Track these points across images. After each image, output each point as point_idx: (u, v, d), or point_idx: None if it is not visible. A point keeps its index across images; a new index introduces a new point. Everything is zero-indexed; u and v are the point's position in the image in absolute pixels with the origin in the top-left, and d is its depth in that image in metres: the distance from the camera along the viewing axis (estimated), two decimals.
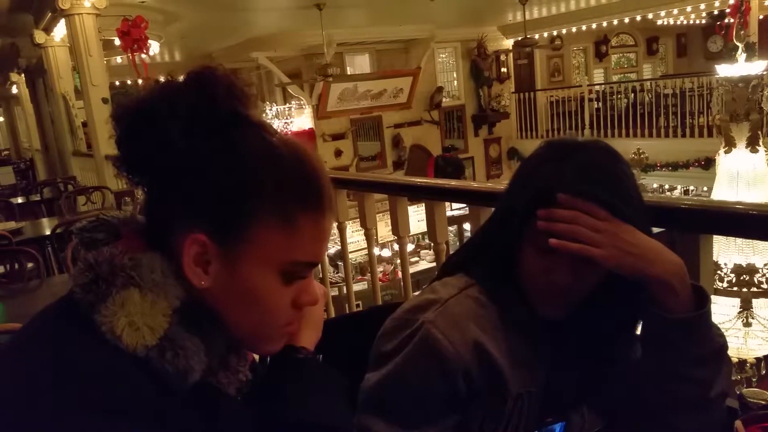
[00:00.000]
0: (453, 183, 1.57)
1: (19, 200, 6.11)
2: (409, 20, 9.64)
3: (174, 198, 0.65)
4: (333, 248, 7.31)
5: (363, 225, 1.93)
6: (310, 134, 9.94)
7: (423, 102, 10.84)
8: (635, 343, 0.95)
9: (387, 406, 0.91)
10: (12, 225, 3.98)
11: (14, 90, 12.71)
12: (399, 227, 1.79)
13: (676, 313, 0.84)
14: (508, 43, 11.52)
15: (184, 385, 0.62)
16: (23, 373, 0.58)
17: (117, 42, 5.36)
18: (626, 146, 9.65)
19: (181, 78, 0.68)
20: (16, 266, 2.92)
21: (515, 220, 0.91)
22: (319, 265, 2.47)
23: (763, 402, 0.84)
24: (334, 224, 2.21)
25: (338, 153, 10.19)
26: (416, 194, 1.77)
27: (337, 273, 8.01)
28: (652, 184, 9.53)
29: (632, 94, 10.16)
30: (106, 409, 0.56)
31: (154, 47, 6.97)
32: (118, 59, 7.68)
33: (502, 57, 11.63)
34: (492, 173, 11.64)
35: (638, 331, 0.94)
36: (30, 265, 2.91)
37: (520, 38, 10.01)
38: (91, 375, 0.58)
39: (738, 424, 0.68)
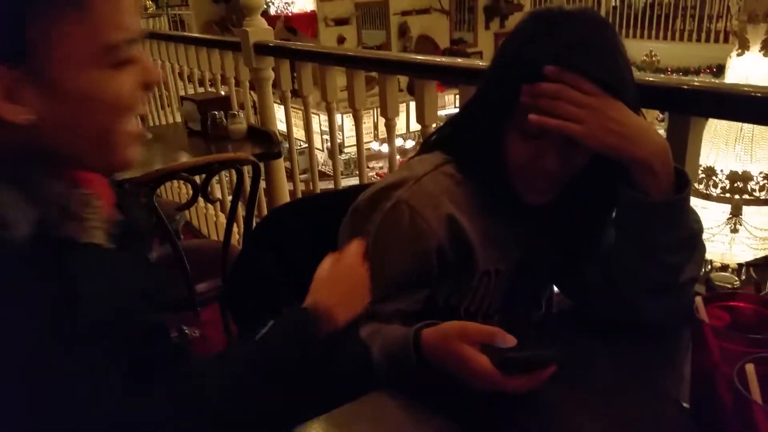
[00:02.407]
0: (441, 60, 1.47)
1: None
2: None
3: None
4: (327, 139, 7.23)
5: (351, 105, 1.84)
6: (311, 17, 9.52)
7: None
8: (611, 226, 0.92)
9: None
10: None
11: None
12: (388, 109, 1.70)
13: (654, 197, 0.82)
14: None
15: (11, 243, 0.55)
16: None
17: None
18: (639, 47, 9.36)
19: None
20: None
21: (499, 98, 0.87)
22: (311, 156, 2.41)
23: (729, 286, 0.83)
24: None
25: (341, 40, 9.81)
26: (400, 71, 1.66)
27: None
28: None
29: None
30: None
31: None
32: None
33: None
34: None
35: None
36: None
37: None
38: None
39: (698, 300, 0.66)
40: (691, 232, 0.86)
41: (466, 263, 0.93)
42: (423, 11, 10.38)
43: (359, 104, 1.84)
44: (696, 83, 1.02)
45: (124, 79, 0.61)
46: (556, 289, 1.10)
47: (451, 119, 1.01)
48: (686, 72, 8.99)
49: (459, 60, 1.41)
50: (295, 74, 2.24)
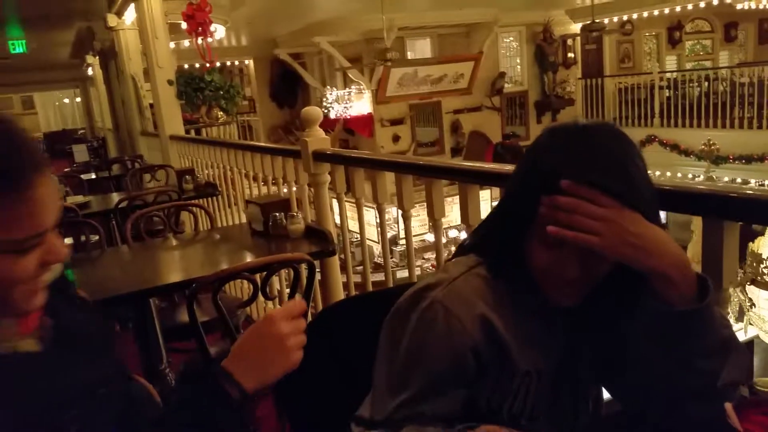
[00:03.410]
0: (482, 165, 1.56)
1: (92, 176, 6.43)
2: (472, 3, 9.51)
3: None
4: (391, 233, 7.39)
5: (400, 207, 1.96)
6: (368, 119, 9.99)
7: (484, 88, 10.70)
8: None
9: (399, 382, 0.93)
10: (80, 199, 4.21)
11: (90, 72, 13.36)
12: (434, 210, 1.80)
13: (676, 306, 0.82)
14: (576, 27, 11.19)
15: None
16: None
17: (183, 26, 5.55)
18: (697, 137, 9.28)
19: None
20: (82, 238, 3.08)
21: (520, 208, 0.91)
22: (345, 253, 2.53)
23: None
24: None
25: (396, 138, 10.22)
26: (444, 176, 1.78)
27: (390, 257, 8.04)
28: (723, 177, 9.11)
29: (706, 83, 9.71)
30: None
31: (220, 31, 7.15)
32: (186, 43, 7.94)
33: (569, 42, 11.33)
34: None
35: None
36: (95, 237, 3.07)
37: (588, 22, 9.70)
38: None
39: (728, 406, 0.66)
40: (721, 338, 0.86)
41: (504, 363, 0.94)
42: (474, 109, 10.72)
43: (407, 206, 1.96)
44: (724, 190, 1.04)
45: (26, 261, 0.71)
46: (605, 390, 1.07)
47: (482, 223, 1.06)
48: (749, 159, 8.80)
49: (504, 166, 1.49)
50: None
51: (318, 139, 2.53)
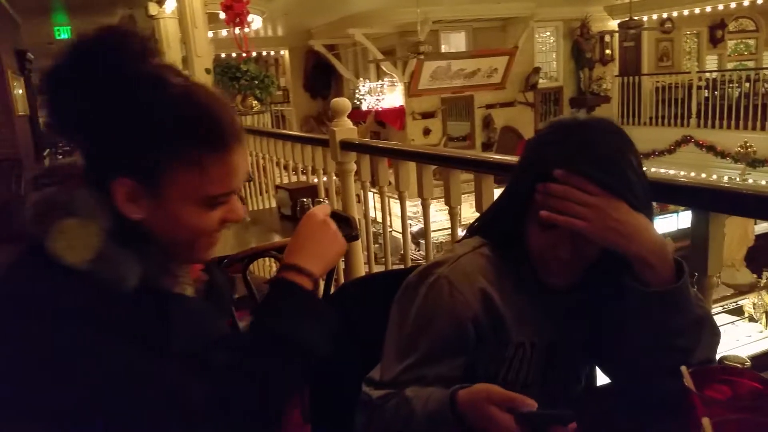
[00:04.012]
0: (495, 156, 1.65)
1: None
2: None
3: (97, 151, 0.80)
4: (416, 226, 7.46)
5: (420, 195, 2.06)
6: (399, 111, 10.06)
7: (518, 83, 10.65)
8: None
9: (406, 348, 1.03)
10: None
11: None
12: (451, 198, 1.90)
13: (654, 287, 0.91)
14: (614, 24, 11.05)
15: (124, 290, 0.76)
16: None
17: (222, 16, 5.69)
18: (734, 139, 9.12)
19: (81, 41, 0.79)
20: None
21: (519, 196, 1.01)
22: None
23: (740, 365, 0.87)
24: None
25: (427, 132, 10.25)
26: (459, 166, 1.87)
27: (418, 251, 8.14)
28: (761, 180, 8.92)
29: (747, 84, 9.50)
30: (54, 314, 0.71)
31: (257, 22, 7.30)
32: (224, 32, 8.10)
33: (607, 38, 11.18)
34: None
35: None
36: None
37: (626, 19, 9.58)
38: (40, 290, 0.73)
39: (683, 369, 0.74)
40: (696, 317, 0.94)
41: (500, 334, 1.03)
42: (507, 104, 10.68)
43: (427, 194, 2.07)
44: (709, 184, 1.12)
45: (212, 215, 0.83)
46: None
47: (488, 208, 1.16)
48: None
49: (514, 158, 1.58)
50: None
51: (346, 129, 2.64)
